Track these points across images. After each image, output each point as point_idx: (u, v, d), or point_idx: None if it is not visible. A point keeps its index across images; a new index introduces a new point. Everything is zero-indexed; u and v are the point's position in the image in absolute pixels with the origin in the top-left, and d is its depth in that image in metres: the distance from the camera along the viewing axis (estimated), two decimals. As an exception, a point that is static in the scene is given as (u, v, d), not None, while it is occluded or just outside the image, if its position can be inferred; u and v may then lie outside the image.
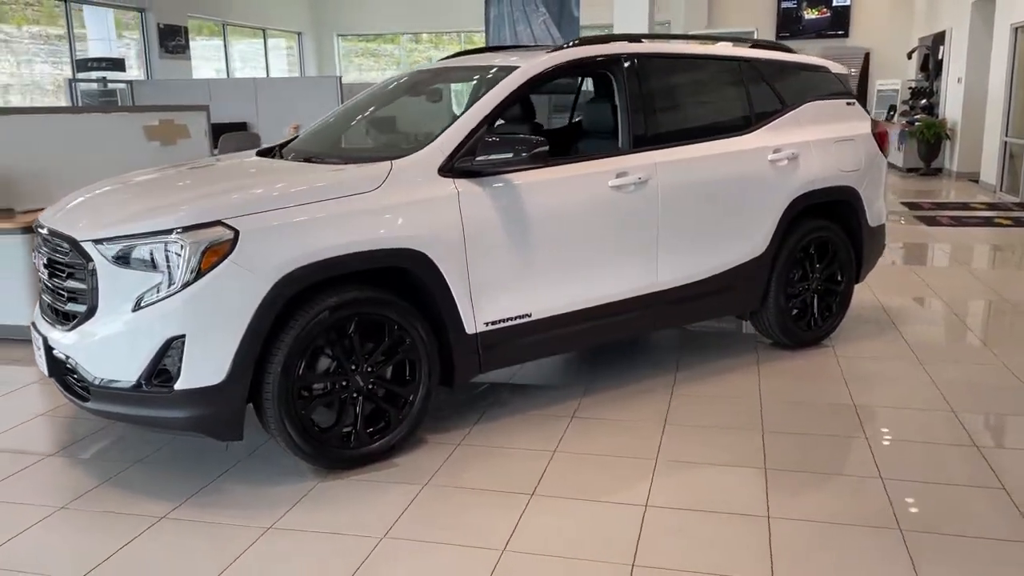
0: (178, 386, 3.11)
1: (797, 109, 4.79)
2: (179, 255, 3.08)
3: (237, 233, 3.11)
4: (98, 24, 16.45)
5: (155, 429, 3.57)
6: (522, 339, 3.83)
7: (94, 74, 12.33)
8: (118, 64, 12.41)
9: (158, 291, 3.10)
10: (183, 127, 7.14)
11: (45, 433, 3.95)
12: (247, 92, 10.80)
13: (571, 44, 4.25)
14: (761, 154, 4.54)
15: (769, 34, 18.49)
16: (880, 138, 5.17)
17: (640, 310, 4.19)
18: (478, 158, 3.61)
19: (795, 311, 4.90)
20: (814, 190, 4.73)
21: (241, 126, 10.70)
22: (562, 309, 3.92)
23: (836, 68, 5.15)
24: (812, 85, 4.98)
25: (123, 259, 3.15)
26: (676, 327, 5.32)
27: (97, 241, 3.20)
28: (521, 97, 3.98)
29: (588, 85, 5.49)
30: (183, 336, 3.08)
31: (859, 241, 5.05)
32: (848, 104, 5.09)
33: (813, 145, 4.74)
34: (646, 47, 4.34)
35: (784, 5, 18.50)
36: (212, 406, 3.14)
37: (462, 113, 3.78)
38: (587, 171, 3.99)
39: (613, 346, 5.08)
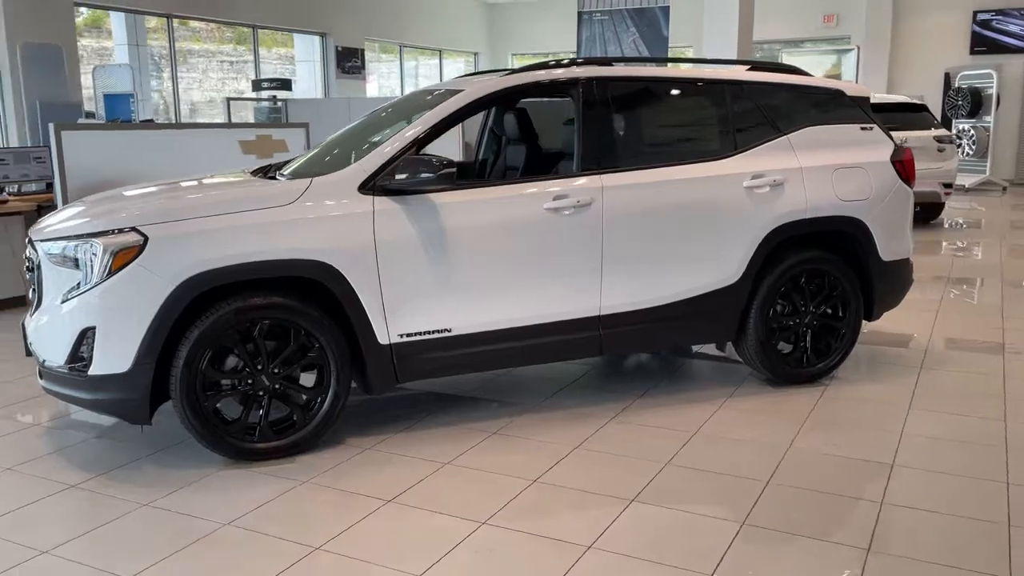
0: (91, 372, 3.53)
1: (793, 134, 4.56)
2: (95, 256, 3.50)
3: (147, 239, 3.49)
4: (306, 47, 18.25)
5: (82, 408, 4.01)
6: (441, 353, 3.95)
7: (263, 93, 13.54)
8: (286, 84, 13.57)
9: (78, 287, 3.54)
10: (280, 142, 7.81)
11: (46, 407, 4.54)
12: (381, 110, 11.47)
13: (552, 66, 4.33)
14: (735, 180, 4.37)
15: (961, 50, 17.11)
16: (903, 166, 4.79)
17: (580, 333, 4.18)
18: (396, 177, 3.79)
19: (786, 346, 4.66)
20: (803, 219, 4.48)
21: (374, 142, 11.39)
22: (486, 327, 4.00)
23: (853, 91, 4.84)
24: (818, 109, 4.72)
25: (56, 257, 3.63)
26: (634, 352, 5.21)
27: (42, 240, 3.71)
28: (459, 120, 4.10)
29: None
30: (94, 327, 3.49)
31: (867, 276, 4.71)
32: (863, 130, 4.76)
33: (805, 172, 4.50)
34: (606, 71, 4.32)
35: (980, 16, 17.02)
36: (120, 391, 3.54)
37: (392, 135, 3.98)
38: (519, 193, 4.05)
39: (598, 364, 5.05)
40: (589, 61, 4.43)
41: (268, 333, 3.69)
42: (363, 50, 17.37)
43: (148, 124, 10.23)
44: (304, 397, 3.79)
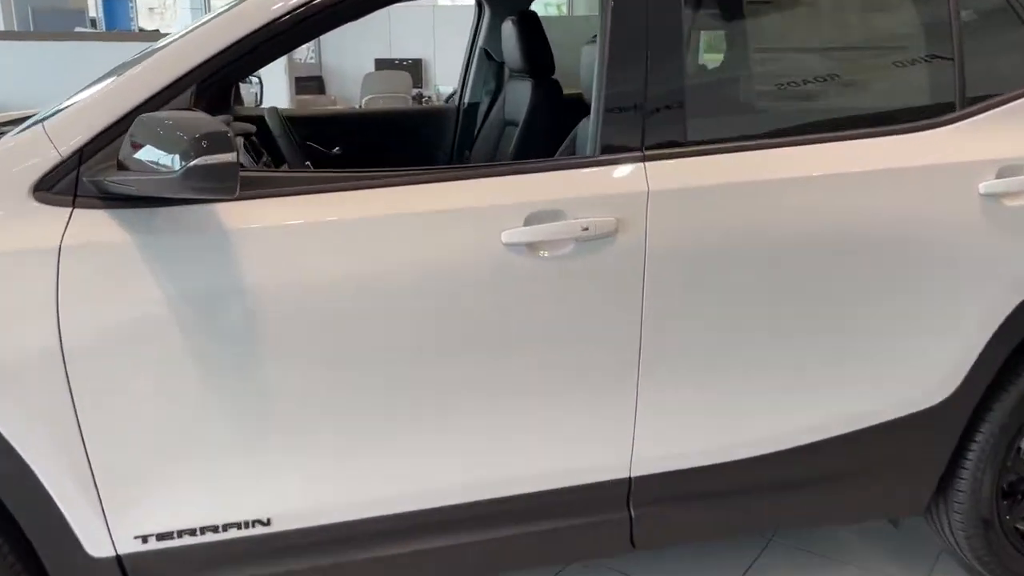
0: None
1: (1092, 74, 2.05)
2: None
3: None
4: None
5: None
6: (245, 569, 1.73)
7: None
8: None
9: None
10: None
11: None
12: (425, 23, 9.13)
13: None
14: (956, 179, 1.92)
15: None
16: None
17: (587, 516, 1.88)
18: (126, 160, 1.52)
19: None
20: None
21: (415, 64, 9.08)
22: (357, 512, 1.75)
23: None
24: None
25: None
26: (698, 542, 2.35)
27: None
28: (286, 45, 1.79)
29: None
30: None
31: None
32: None
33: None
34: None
35: None
36: None
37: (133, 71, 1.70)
38: (446, 207, 1.71)
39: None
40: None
41: None
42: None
43: (133, 34, 8.26)
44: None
